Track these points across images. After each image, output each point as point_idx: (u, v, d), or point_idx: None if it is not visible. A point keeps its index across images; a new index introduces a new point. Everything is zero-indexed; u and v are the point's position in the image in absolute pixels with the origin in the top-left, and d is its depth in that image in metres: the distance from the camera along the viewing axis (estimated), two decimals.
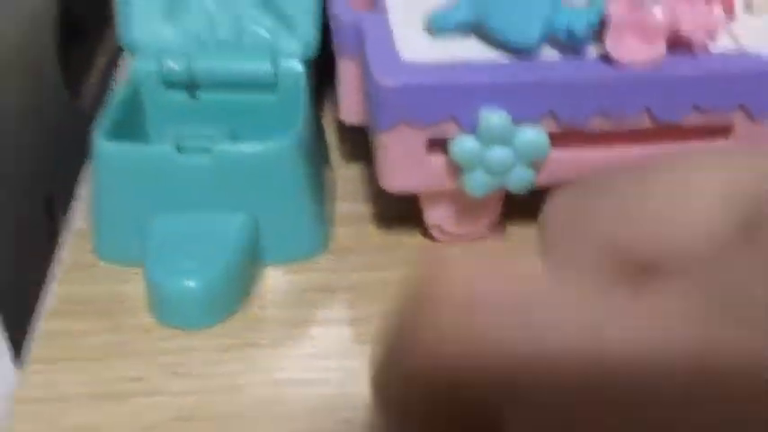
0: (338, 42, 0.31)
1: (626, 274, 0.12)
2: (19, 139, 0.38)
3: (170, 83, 0.34)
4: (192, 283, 0.28)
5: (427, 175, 0.29)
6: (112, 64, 0.48)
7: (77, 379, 0.27)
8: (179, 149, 0.30)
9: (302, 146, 0.30)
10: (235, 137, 0.33)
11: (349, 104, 0.32)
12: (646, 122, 0.28)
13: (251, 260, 0.30)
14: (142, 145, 0.31)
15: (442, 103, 0.27)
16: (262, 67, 0.34)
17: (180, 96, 0.34)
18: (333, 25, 0.32)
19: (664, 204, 0.13)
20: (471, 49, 0.29)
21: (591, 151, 0.29)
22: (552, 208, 0.14)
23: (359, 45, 0.30)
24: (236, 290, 0.30)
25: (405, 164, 0.29)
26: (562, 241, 0.14)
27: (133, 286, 0.30)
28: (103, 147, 0.30)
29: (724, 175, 0.12)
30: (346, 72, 0.32)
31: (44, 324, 0.29)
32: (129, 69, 0.34)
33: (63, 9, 0.43)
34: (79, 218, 0.33)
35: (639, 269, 0.12)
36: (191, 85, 0.34)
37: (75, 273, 0.31)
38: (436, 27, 0.30)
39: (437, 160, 0.29)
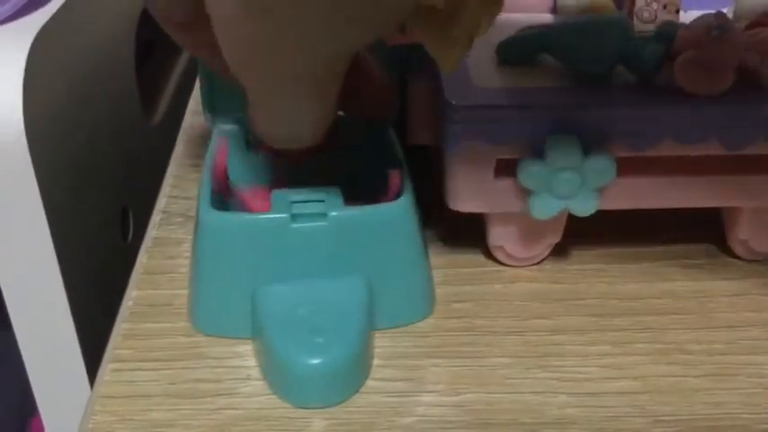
0: (410, 66, 0.32)
1: None
2: (96, 151, 0.40)
3: (249, 144, 0.33)
4: (325, 361, 0.26)
5: (494, 197, 0.30)
6: (185, 82, 0.49)
7: (153, 378, 0.28)
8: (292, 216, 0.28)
9: (414, 203, 0.29)
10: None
11: (417, 127, 0.34)
12: (711, 151, 0.29)
13: (371, 328, 0.28)
14: (252, 214, 0.29)
15: (512, 126, 0.28)
16: None
17: (252, 154, 0.33)
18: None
19: None
20: (540, 77, 0.30)
21: (655, 177, 0.30)
22: None
23: (430, 69, 0.31)
24: (365, 361, 0.28)
25: (472, 185, 0.30)
26: None
27: None
28: (211, 217, 0.28)
29: None
30: (416, 96, 0.33)
31: (123, 325, 0.30)
32: (213, 132, 0.33)
33: (140, 28, 0.45)
34: (155, 227, 0.35)
35: None
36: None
37: (151, 277, 0.32)
38: (505, 55, 0.31)
39: (504, 182, 0.30)
